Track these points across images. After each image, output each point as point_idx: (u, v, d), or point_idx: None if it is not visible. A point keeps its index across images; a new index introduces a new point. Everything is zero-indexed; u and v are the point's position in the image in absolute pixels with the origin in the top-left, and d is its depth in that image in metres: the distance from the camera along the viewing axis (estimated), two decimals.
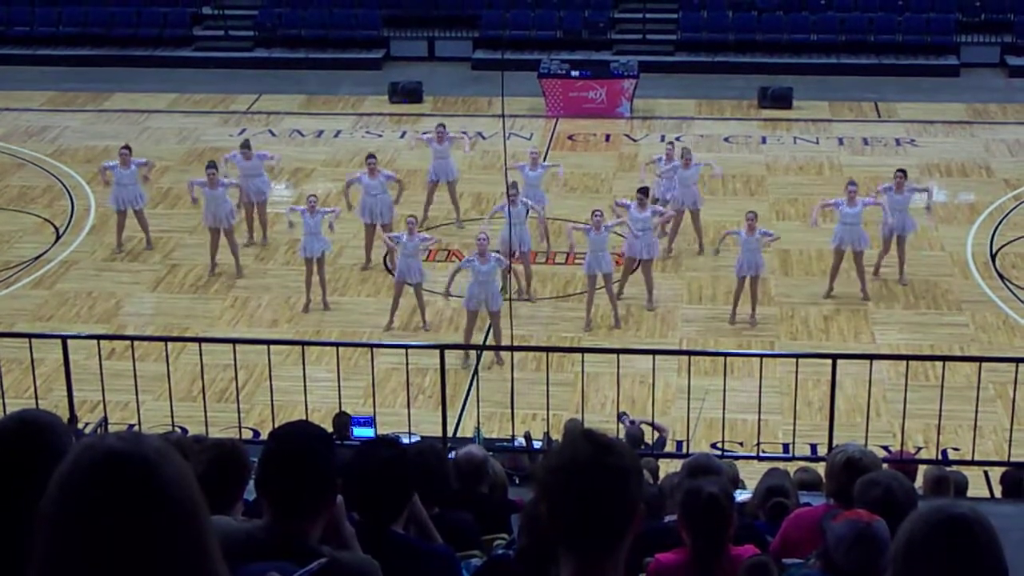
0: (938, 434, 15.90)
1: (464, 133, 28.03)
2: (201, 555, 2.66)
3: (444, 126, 27.19)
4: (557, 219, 26.50)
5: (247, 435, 17.66)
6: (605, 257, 22.59)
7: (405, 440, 11.79)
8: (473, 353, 21.51)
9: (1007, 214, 27.05)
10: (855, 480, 7.29)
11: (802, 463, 14.09)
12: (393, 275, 23.55)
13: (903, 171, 24.50)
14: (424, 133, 28.22)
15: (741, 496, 10.06)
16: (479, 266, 21.58)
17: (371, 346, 19.64)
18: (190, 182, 25.38)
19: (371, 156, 26.11)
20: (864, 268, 23.60)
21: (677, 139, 31.74)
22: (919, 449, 18.26)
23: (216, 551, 2.70)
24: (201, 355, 15.79)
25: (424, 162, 28.06)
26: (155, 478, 2.61)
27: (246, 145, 26.21)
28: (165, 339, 18.91)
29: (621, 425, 16.57)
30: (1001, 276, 24.46)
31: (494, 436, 17.90)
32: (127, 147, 25.99)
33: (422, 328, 22.67)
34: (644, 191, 23.56)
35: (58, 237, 26.62)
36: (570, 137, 32.14)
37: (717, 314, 23.09)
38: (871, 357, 18.18)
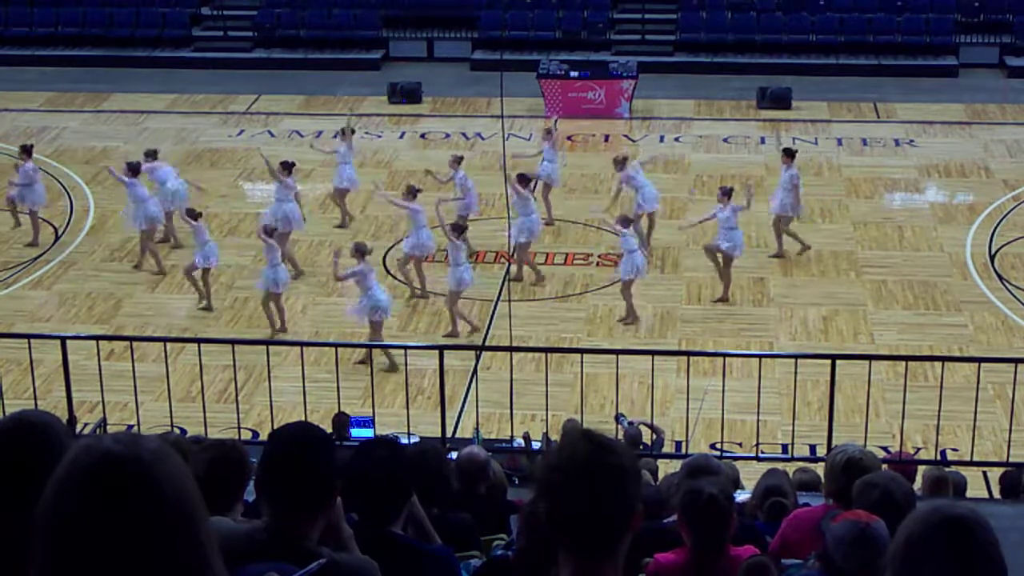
0: (937, 435, 15.91)
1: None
2: (199, 556, 2.66)
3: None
4: (558, 220, 26.51)
5: (246, 436, 17.66)
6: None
7: (404, 441, 11.80)
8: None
9: (1006, 215, 27.05)
10: (855, 481, 7.30)
11: (801, 464, 14.11)
12: (395, 277, 23.63)
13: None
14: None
15: (740, 497, 10.06)
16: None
17: (370, 346, 19.66)
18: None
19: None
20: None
21: (676, 140, 31.80)
22: (918, 450, 18.26)
23: (214, 552, 2.70)
24: (200, 356, 15.79)
25: (422, 163, 28.03)
26: (152, 480, 2.61)
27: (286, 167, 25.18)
28: (164, 340, 18.90)
29: (619, 427, 16.57)
30: (1000, 277, 24.46)
31: (493, 437, 17.90)
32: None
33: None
34: (728, 191, 23.68)
35: (57, 238, 26.61)
36: (569, 138, 32.13)
37: (716, 314, 23.08)
38: (870, 358, 18.19)
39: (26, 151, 26.37)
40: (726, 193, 23.52)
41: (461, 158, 25.75)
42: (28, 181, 25.96)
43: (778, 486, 9.42)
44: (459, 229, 22.64)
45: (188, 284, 23.86)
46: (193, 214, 23.37)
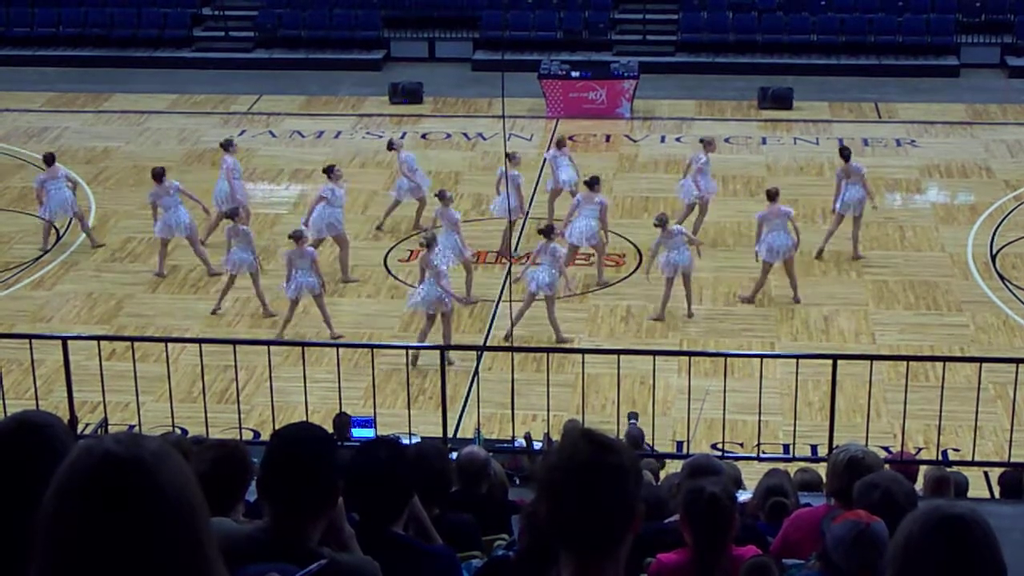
0: (938, 435, 15.91)
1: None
2: (199, 556, 2.66)
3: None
4: (557, 220, 26.50)
5: (247, 436, 17.68)
6: (684, 253, 22.71)
7: (405, 441, 11.80)
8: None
9: (1007, 214, 27.04)
10: (857, 480, 7.30)
11: (802, 464, 14.11)
12: (397, 279, 23.63)
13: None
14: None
15: (741, 497, 10.07)
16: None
17: (371, 347, 19.65)
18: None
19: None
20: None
21: (677, 140, 31.80)
22: (919, 450, 18.25)
23: (215, 553, 2.71)
24: (201, 356, 15.79)
25: (424, 163, 28.03)
26: (152, 480, 2.62)
27: (330, 171, 25.00)
28: (165, 340, 18.90)
29: (630, 424, 16.62)
30: (1001, 277, 24.45)
31: (494, 437, 17.90)
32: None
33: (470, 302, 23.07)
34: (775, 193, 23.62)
35: (58, 238, 26.61)
36: (570, 138, 32.12)
37: (717, 314, 23.08)
38: (871, 358, 18.19)
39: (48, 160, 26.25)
40: (772, 196, 23.40)
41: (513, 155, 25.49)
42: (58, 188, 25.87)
43: (779, 486, 9.43)
44: (548, 231, 22.47)
45: (192, 285, 23.88)
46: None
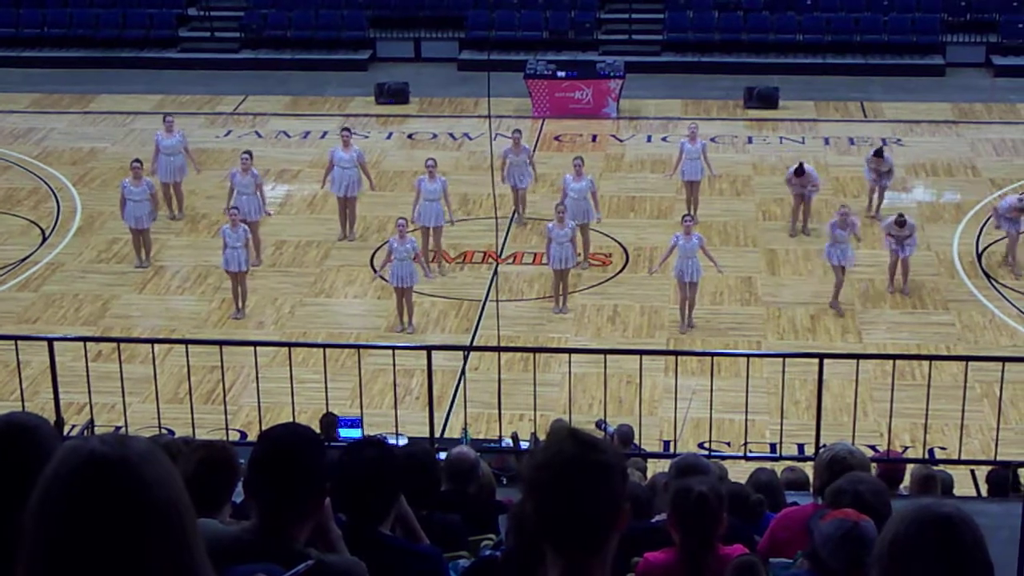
0: (925, 433, 15.94)
1: None
2: (186, 557, 2.66)
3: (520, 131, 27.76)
4: (535, 218, 26.53)
5: (234, 437, 17.65)
6: (694, 263, 22.65)
7: (392, 441, 11.80)
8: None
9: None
10: (838, 478, 7.31)
11: (789, 463, 14.11)
12: (382, 278, 23.61)
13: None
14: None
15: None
16: (397, 246, 22.38)
17: (358, 347, 19.65)
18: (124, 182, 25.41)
19: (345, 129, 26.82)
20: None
21: (664, 139, 31.81)
22: (906, 448, 18.29)
23: (201, 553, 2.70)
24: (188, 357, 15.76)
25: (410, 163, 28.04)
26: (138, 481, 2.61)
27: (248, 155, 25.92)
28: (152, 341, 18.88)
29: (604, 432, 16.58)
30: (987, 275, 24.51)
31: (481, 437, 17.90)
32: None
33: (407, 331, 22.61)
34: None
35: (44, 239, 26.58)
36: (556, 138, 32.16)
37: (704, 314, 23.08)
38: (858, 356, 18.21)
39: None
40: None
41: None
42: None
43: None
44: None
45: (179, 285, 23.89)
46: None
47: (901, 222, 23.30)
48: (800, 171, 25.87)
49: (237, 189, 25.14)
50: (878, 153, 26.67)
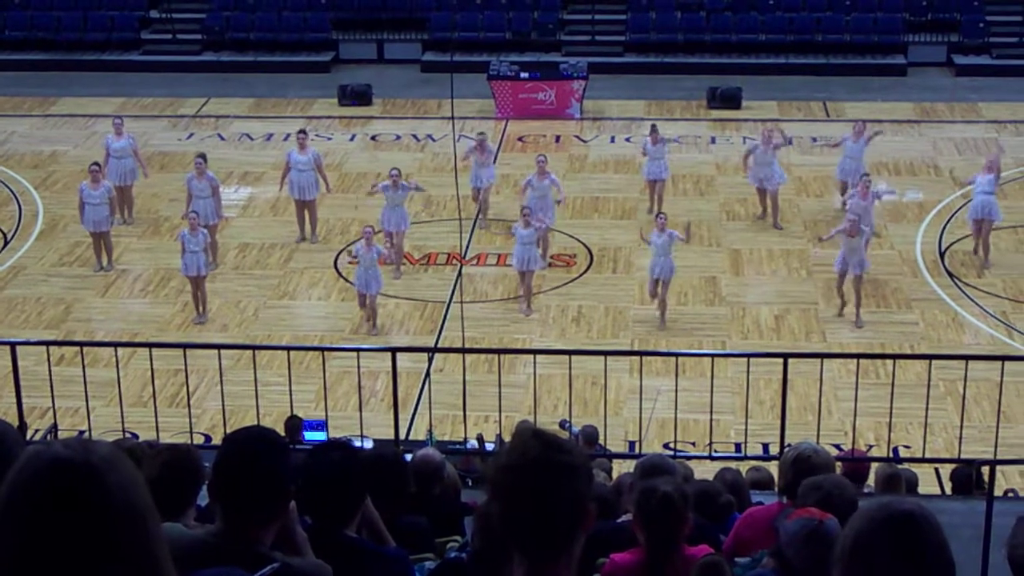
0: (889, 432, 15.97)
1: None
2: (150, 561, 2.65)
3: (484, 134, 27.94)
4: (504, 219, 26.55)
5: (198, 440, 17.58)
6: (668, 261, 22.68)
7: (357, 443, 11.78)
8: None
9: (955, 212, 27.21)
10: (802, 477, 7.34)
11: (754, 462, 14.15)
12: (348, 281, 23.57)
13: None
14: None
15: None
16: (363, 254, 22.46)
17: (322, 349, 19.60)
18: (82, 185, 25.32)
19: (302, 131, 26.69)
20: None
21: (627, 140, 31.86)
22: (870, 447, 18.34)
23: (165, 557, 2.69)
24: (152, 360, 15.70)
25: (373, 165, 27.96)
26: (101, 485, 2.60)
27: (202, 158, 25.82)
28: (115, 344, 18.81)
29: (565, 432, 16.57)
30: (950, 274, 24.62)
31: (446, 439, 17.88)
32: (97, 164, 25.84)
33: (371, 333, 22.58)
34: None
35: (6, 243, 26.45)
36: (520, 139, 32.17)
37: (668, 314, 23.09)
38: (822, 356, 18.27)
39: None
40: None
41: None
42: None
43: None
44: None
45: (142, 288, 23.81)
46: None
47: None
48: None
49: (194, 194, 24.99)
50: None
